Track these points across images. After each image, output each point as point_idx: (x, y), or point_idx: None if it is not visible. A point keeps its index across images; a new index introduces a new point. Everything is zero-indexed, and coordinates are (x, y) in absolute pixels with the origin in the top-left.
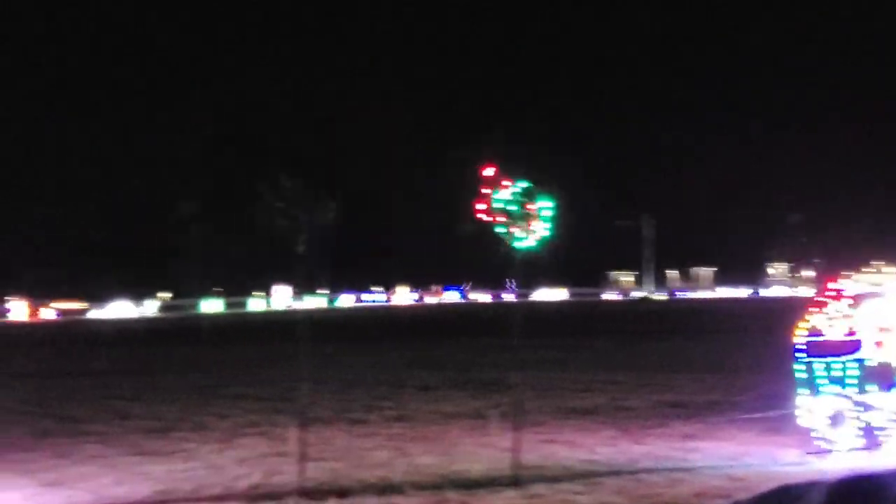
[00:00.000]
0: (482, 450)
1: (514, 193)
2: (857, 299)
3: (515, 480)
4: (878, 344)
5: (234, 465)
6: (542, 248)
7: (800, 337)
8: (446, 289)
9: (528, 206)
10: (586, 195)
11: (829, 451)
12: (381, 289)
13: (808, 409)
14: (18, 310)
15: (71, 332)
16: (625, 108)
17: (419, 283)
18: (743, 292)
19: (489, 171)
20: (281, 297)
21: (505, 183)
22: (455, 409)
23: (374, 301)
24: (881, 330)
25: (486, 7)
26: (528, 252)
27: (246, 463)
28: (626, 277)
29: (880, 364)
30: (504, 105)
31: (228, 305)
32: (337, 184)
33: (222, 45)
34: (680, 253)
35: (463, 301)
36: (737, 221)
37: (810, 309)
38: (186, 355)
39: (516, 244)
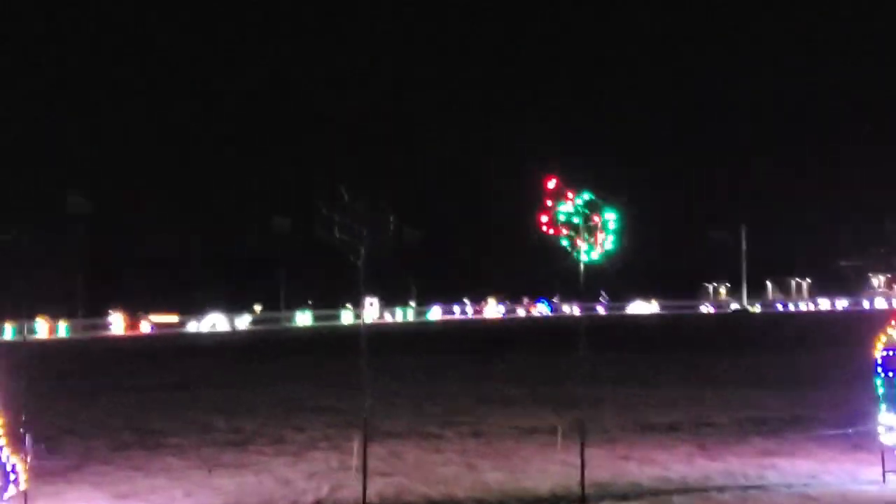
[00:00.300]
0: (553, 466)
1: (577, 206)
2: None
3: (582, 498)
4: None
5: (303, 479)
6: (607, 260)
7: (879, 351)
8: (537, 301)
9: (593, 219)
10: (678, 206)
11: None
12: (470, 301)
13: (890, 425)
14: (117, 323)
15: (164, 344)
16: (716, 113)
17: (510, 296)
18: (842, 304)
19: (552, 183)
20: (371, 310)
21: (568, 195)
22: (533, 424)
23: (463, 314)
24: None
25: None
26: (593, 264)
27: (315, 477)
28: (722, 290)
29: None
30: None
31: (319, 318)
32: (427, 197)
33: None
34: (777, 263)
35: (552, 314)
36: (836, 230)
37: (891, 322)
38: (272, 368)
39: (581, 257)
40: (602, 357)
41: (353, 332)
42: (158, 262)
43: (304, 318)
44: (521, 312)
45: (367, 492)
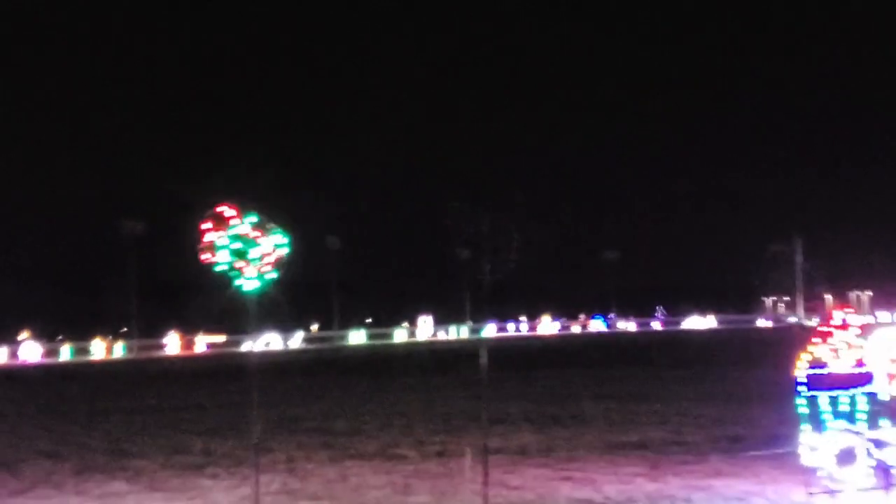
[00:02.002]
0: (493, 489)
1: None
2: (865, 329)
3: None
4: (893, 376)
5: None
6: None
7: (801, 370)
8: (592, 317)
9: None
10: (725, 220)
11: (837, 492)
12: (526, 318)
13: (813, 445)
14: (172, 343)
15: (213, 364)
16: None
17: (566, 312)
18: None
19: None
20: (425, 328)
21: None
22: (505, 444)
23: (518, 331)
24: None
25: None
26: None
27: (249, 499)
28: (780, 303)
29: (895, 398)
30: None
31: (373, 337)
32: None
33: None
34: (836, 276)
35: (607, 330)
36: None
37: (813, 339)
38: (299, 386)
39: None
40: (629, 372)
41: (401, 351)
42: (215, 283)
43: (357, 337)
44: (576, 329)
45: None
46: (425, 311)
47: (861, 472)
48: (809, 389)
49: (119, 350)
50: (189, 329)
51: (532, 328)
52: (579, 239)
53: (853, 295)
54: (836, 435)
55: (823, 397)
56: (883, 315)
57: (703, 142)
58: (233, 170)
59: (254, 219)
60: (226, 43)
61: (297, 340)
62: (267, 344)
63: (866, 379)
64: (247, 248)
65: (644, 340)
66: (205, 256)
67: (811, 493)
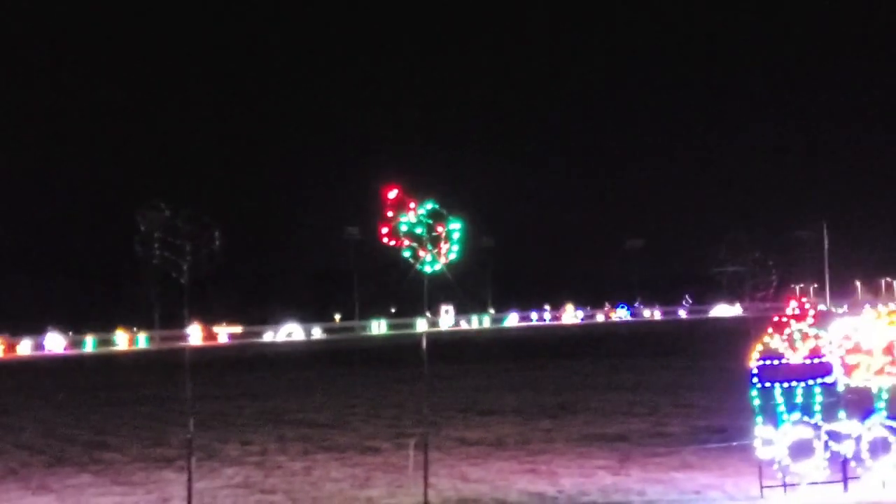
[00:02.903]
0: (451, 482)
1: (420, 216)
2: (822, 318)
3: None
4: (851, 367)
5: (179, 498)
6: (448, 271)
7: (754, 360)
8: (617, 306)
9: (437, 229)
10: (759, 206)
11: (792, 485)
12: (549, 307)
13: (768, 438)
14: (195, 334)
15: (231, 355)
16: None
17: (591, 301)
18: None
19: (392, 193)
20: (447, 318)
21: (411, 205)
22: (482, 436)
23: (541, 320)
24: (855, 352)
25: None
26: (436, 275)
27: (205, 492)
28: (810, 290)
29: (854, 389)
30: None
31: (394, 327)
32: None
33: None
34: (867, 263)
35: (632, 319)
36: None
37: (768, 330)
38: (306, 378)
39: (425, 268)
40: (642, 363)
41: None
42: (240, 274)
43: (379, 327)
44: (600, 318)
45: None
46: (447, 300)
47: (817, 464)
48: (762, 381)
49: (142, 341)
50: (209, 320)
51: (555, 317)
52: (606, 227)
53: (883, 282)
54: (792, 427)
55: (778, 389)
56: None
57: (728, 127)
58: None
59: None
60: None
61: (318, 331)
62: (289, 334)
63: (823, 370)
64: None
65: (667, 329)
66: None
67: (765, 487)
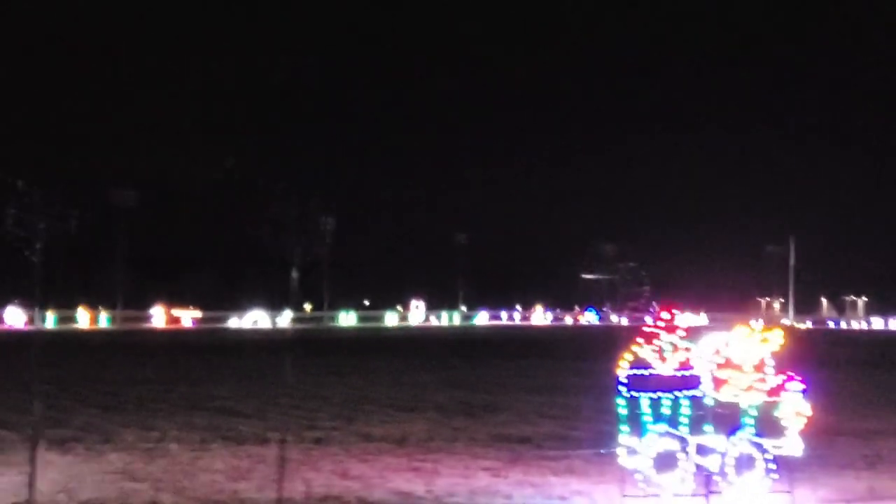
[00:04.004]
0: (315, 475)
1: None
2: (692, 331)
3: None
4: (720, 382)
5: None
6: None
7: (622, 370)
8: (585, 310)
9: None
10: (731, 219)
11: (652, 496)
12: (521, 308)
13: (632, 448)
14: (158, 316)
15: (188, 340)
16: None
17: (562, 304)
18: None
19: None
20: (417, 313)
21: None
22: (389, 432)
23: (510, 319)
24: (725, 367)
25: None
26: None
27: (76, 478)
28: (775, 305)
29: (722, 404)
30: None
31: (363, 319)
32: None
33: None
34: (834, 280)
35: (599, 323)
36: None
37: (637, 340)
38: (250, 366)
39: None
40: (589, 366)
41: (384, 335)
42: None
43: (348, 319)
44: (568, 320)
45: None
46: (418, 295)
47: (681, 477)
48: (630, 390)
49: (103, 320)
50: (178, 303)
51: (525, 318)
52: (582, 231)
53: (848, 299)
54: (657, 438)
55: (645, 399)
56: (877, 321)
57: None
58: None
59: None
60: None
61: (285, 319)
62: (255, 321)
63: (692, 382)
64: None
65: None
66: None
67: (626, 496)
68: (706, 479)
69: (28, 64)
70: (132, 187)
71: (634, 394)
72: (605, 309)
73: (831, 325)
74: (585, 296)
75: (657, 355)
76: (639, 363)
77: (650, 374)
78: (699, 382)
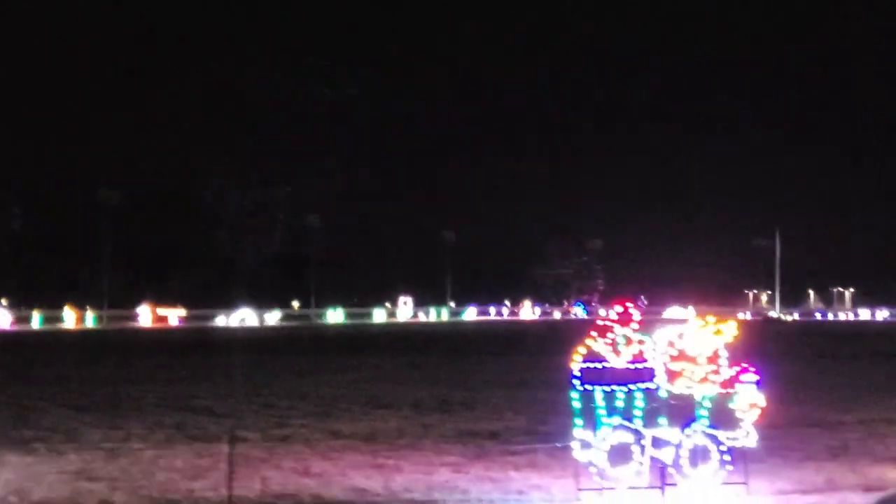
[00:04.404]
0: (275, 473)
1: None
2: (647, 324)
3: None
4: (674, 374)
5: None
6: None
7: (576, 363)
8: (574, 304)
9: None
10: (716, 212)
11: (607, 489)
12: (510, 303)
13: (586, 441)
14: (145, 315)
15: (173, 339)
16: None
17: (550, 298)
18: (883, 315)
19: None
20: (405, 309)
21: None
22: (358, 430)
23: (499, 314)
24: (679, 359)
25: None
26: None
27: (31, 478)
28: (763, 297)
29: (676, 396)
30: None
31: (351, 316)
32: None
33: None
34: (822, 273)
35: (586, 317)
36: (882, 239)
37: (591, 332)
38: (232, 364)
39: None
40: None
41: (374, 331)
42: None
43: (335, 316)
44: (557, 315)
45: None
46: (406, 292)
47: (635, 470)
48: (584, 383)
49: (90, 320)
50: (167, 302)
51: (514, 313)
52: (568, 227)
53: (834, 291)
54: (611, 431)
55: (599, 392)
56: (864, 312)
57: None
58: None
59: None
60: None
61: (273, 317)
62: (242, 319)
63: (646, 375)
64: None
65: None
66: None
67: (581, 490)
68: (661, 472)
69: (13, 63)
70: (120, 187)
71: (588, 387)
72: (593, 304)
73: (818, 316)
74: (538, 291)
75: (611, 348)
76: (592, 356)
77: (604, 367)
78: (653, 375)
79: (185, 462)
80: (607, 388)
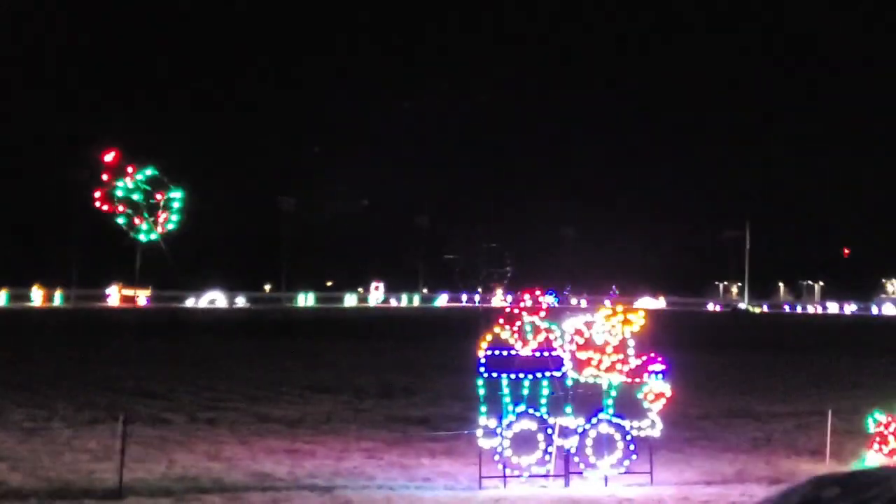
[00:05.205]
0: (183, 456)
1: (137, 181)
2: (554, 313)
3: (117, 493)
4: (581, 363)
5: None
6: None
7: (483, 351)
8: (547, 293)
9: (155, 197)
10: (688, 202)
11: (512, 477)
12: (480, 290)
13: (491, 429)
14: (114, 295)
15: (140, 319)
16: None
17: (523, 287)
18: (850, 309)
19: (109, 157)
20: (377, 294)
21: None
22: (288, 414)
23: (470, 301)
24: (586, 348)
25: None
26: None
27: None
28: (734, 288)
29: (583, 385)
30: None
31: (322, 300)
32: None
33: None
34: (792, 265)
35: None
36: (852, 233)
37: (499, 321)
38: (185, 347)
39: (140, 236)
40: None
41: (341, 316)
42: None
43: (306, 300)
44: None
45: None
46: (378, 277)
47: (540, 458)
48: (489, 371)
49: (57, 299)
50: (138, 283)
51: (485, 300)
52: (542, 215)
53: (804, 284)
54: (517, 419)
55: (505, 380)
56: (832, 305)
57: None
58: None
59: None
60: None
61: (242, 300)
62: (212, 301)
63: (553, 364)
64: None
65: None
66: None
67: (484, 478)
68: (566, 460)
69: None
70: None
71: (494, 375)
72: (565, 292)
73: (787, 308)
74: (450, 278)
75: (517, 336)
76: (499, 344)
77: (510, 355)
78: (561, 363)
79: (99, 443)
80: (513, 376)
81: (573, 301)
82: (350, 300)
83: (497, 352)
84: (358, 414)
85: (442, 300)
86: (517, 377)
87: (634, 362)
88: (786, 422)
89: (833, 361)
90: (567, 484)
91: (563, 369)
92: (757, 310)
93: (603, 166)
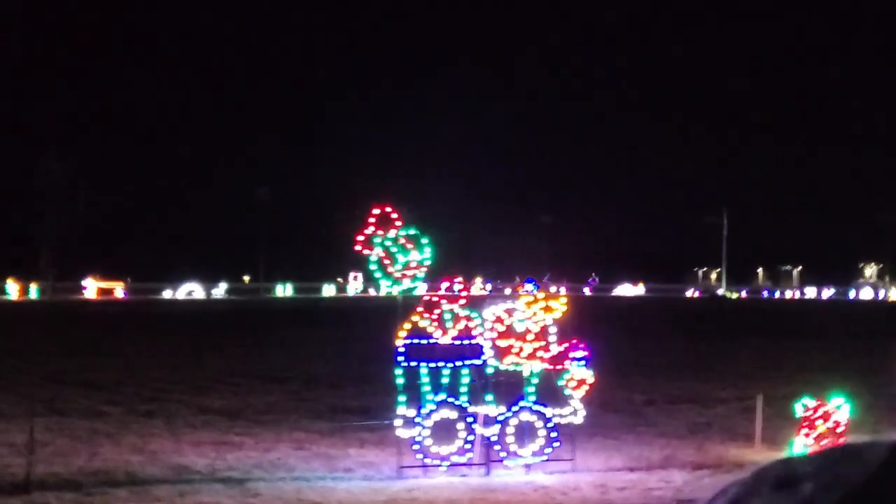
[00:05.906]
0: (109, 449)
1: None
2: (474, 301)
3: (25, 487)
4: (503, 351)
5: None
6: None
7: (401, 339)
8: (525, 281)
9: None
10: (667, 189)
11: (431, 467)
12: (459, 279)
13: (412, 417)
14: (91, 288)
15: (114, 311)
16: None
17: (501, 276)
18: (828, 294)
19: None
20: (355, 284)
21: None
22: (230, 405)
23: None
24: (507, 336)
25: None
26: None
27: None
28: (713, 275)
29: (505, 373)
30: None
31: (300, 290)
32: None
33: None
34: (770, 251)
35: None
36: (831, 219)
37: (417, 309)
38: (146, 338)
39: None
40: None
41: (318, 306)
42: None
43: (284, 290)
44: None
45: None
46: (357, 268)
47: (460, 447)
48: (408, 360)
49: (33, 292)
50: (114, 275)
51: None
52: (522, 202)
53: (782, 269)
54: (436, 408)
55: (424, 368)
56: (810, 290)
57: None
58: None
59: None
60: None
61: (220, 291)
62: (190, 293)
63: (473, 352)
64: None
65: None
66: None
67: (403, 467)
68: (487, 449)
69: None
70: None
71: (413, 364)
72: (545, 280)
73: (765, 294)
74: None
75: (436, 325)
76: (418, 333)
77: (429, 343)
78: (481, 351)
79: (26, 437)
80: (433, 365)
81: (552, 289)
82: (328, 290)
83: (416, 340)
84: (301, 404)
85: (421, 290)
86: (437, 366)
87: (556, 349)
88: (731, 407)
89: (799, 346)
90: (488, 473)
91: (484, 357)
92: (735, 295)
93: (581, 154)
